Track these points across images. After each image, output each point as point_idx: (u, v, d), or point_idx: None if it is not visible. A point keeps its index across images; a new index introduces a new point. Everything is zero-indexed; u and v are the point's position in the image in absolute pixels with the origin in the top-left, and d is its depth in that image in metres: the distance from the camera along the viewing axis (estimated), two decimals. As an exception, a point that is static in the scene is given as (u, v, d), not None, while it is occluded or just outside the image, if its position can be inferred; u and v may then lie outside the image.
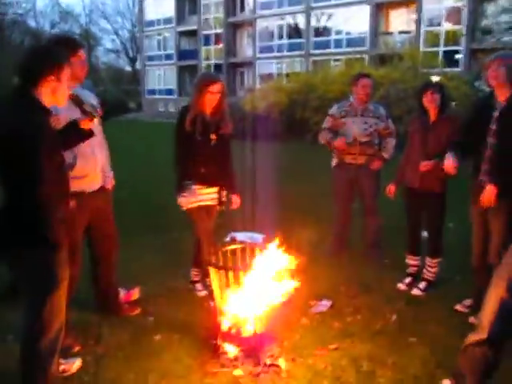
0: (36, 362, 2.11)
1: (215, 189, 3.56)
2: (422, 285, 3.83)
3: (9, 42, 39.24)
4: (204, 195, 3.52)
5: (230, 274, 2.74)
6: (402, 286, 3.91)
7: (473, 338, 2.33)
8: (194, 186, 3.46)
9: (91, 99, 2.97)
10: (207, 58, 32.77)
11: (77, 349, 2.92)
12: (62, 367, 2.59)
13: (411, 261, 3.98)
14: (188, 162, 3.46)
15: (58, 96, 2.22)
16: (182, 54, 35.11)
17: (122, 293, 3.52)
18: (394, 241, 4.60)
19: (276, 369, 2.68)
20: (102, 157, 3.04)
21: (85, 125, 2.61)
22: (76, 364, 2.72)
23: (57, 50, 2.25)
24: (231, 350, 2.79)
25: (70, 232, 2.85)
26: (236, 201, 3.68)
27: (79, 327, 3.11)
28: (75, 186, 2.86)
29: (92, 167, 2.88)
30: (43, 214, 2.07)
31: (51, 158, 2.11)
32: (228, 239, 4.45)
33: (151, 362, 2.79)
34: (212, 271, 2.76)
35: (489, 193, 3.05)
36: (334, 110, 4.56)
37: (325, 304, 3.53)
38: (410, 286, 3.88)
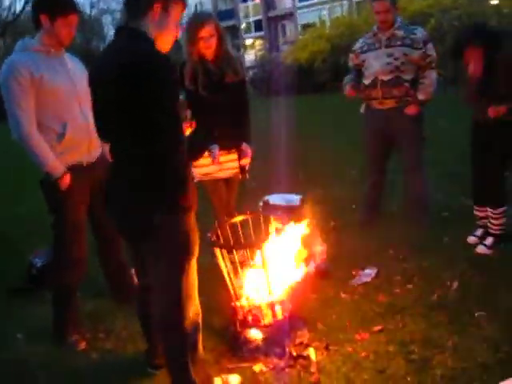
0: (182, 334, 1.88)
1: (234, 155, 3.04)
2: (489, 241, 3.16)
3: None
4: (221, 164, 2.98)
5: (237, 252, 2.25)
6: (471, 240, 3.27)
7: None
8: (216, 151, 2.91)
9: None
10: (246, 16, 31.62)
11: (83, 345, 2.60)
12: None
13: (480, 213, 3.27)
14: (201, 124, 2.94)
15: (164, 35, 1.78)
16: (220, 15, 33.97)
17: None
18: (456, 189, 3.89)
19: (304, 361, 2.19)
20: None
21: None
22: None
23: None
24: (252, 338, 2.33)
25: (71, 210, 2.49)
26: (246, 150, 3.03)
27: (92, 317, 2.84)
28: (70, 158, 2.50)
29: (85, 135, 2.48)
30: (180, 177, 1.76)
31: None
32: (261, 204, 3.95)
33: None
34: (216, 251, 2.27)
35: None
36: (357, 44, 3.72)
37: (368, 273, 2.97)
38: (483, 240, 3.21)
